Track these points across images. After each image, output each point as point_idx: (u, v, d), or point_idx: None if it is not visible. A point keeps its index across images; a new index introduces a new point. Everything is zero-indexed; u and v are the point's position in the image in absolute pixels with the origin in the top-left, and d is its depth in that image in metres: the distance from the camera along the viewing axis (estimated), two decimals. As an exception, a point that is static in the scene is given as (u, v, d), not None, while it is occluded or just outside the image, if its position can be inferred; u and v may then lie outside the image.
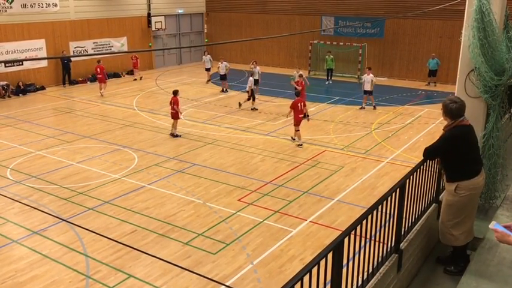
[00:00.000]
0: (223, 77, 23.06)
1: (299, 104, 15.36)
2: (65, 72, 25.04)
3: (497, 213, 5.97)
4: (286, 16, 29.66)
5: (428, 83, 24.66)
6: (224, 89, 23.28)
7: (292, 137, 15.78)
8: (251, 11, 31.15)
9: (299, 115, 15.31)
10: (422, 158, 5.45)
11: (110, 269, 8.66)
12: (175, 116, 16.29)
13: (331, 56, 25.94)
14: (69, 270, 8.63)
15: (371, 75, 19.51)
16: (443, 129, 5.36)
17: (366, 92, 19.75)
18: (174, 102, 16.11)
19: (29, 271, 8.61)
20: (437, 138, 5.47)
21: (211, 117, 18.92)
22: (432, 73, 24.45)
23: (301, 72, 19.42)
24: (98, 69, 22.78)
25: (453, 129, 5.20)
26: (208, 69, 25.60)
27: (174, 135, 16.33)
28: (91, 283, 8.28)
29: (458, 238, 5.38)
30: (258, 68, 21.42)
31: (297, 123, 15.36)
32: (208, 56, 25.52)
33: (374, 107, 19.91)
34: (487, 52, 5.88)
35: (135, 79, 26.78)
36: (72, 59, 24.92)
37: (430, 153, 5.36)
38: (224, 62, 22.87)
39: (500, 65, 5.99)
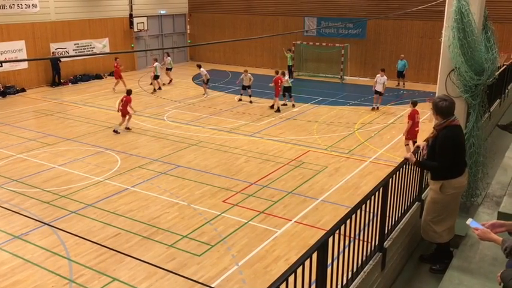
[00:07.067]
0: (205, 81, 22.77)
1: (416, 116, 13.79)
2: (55, 73, 24.85)
3: (478, 210, 6.06)
4: (270, 17, 29.71)
5: (398, 83, 24.83)
6: (205, 93, 22.88)
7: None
8: (234, 12, 31.13)
9: (415, 128, 13.80)
10: (436, 168, 5.39)
11: (94, 273, 8.57)
12: (126, 112, 17.15)
13: (290, 54, 26.75)
14: (52, 275, 8.51)
15: (384, 76, 19.47)
16: (434, 128, 5.37)
17: (377, 92, 19.72)
18: (128, 101, 17.14)
19: (10, 276, 8.47)
20: (429, 138, 5.43)
21: (195, 119, 18.85)
22: (400, 74, 24.67)
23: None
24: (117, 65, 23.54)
25: (446, 130, 5.19)
26: (169, 69, 25.39)
27: (117, 131, 16.98)
28: (74, 287, 8.18)
29: (442, 235, 5.45)
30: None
31: (412, 136, 13.84)
32: (169, 58, 25.38)
33: (378, 107, 20.07)
34: (466, 52, 5.98)
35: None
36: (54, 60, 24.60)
37: (446, 162, 5.21)
38: (202, 69, 22.56)
39: (479, 65, 6.09)
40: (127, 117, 17.17)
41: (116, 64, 23.61)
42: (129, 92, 17.49)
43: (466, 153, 5.93)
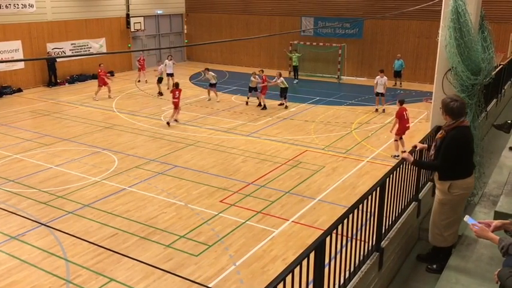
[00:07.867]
0: (212, 85, 22.19)
1: (405, 113, 14.32)
2: (51, 73, 24.74)
3: (475, 210, 6.07)
4: (267, 17, 29.72)
5: (395, 83, 24.86)
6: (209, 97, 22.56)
7: (394, 155, 14.37)
8: (231, 12, 31.12)
9: (405, 124, 14.34)
10: (436, 169, 5.37)
11: (91, 273, 8.55)
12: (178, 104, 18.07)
13: (296, 54, 26.58)
14: (49, 275, 8.49)
15: (384, 77, 19.33)
16: (442, 129, 5.29)
17: (378, 94, 19.62)
18: (179, 92, 17.96)
19: (7, 277, 8.45)
20: (437, 139, 5.35)
21: (192, 118, 18.84)
22: (397, 74, 24.69)
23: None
24: (102, 72, 22.24)
25: (455, 131, 5.11)
26: (170, 75, 24.13)
27: (177, 120, 18.17)
28: (71, 288, 8.18)
29: (447, 239, 5.39)
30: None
31: (401, 132, 14.34)
32: (172, 60, 24.29)
33: (383, 110, 19.86)
34: (463, 52, 6.00)
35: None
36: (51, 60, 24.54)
37: (446, 163, 5.18)
38: (210, 72, 22.19)
39: (476, 65, 6.11)
40: (179, 109, 18.11)
41: (99, 70, 22.22)
42: (177, 85, 18.23)
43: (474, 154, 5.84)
